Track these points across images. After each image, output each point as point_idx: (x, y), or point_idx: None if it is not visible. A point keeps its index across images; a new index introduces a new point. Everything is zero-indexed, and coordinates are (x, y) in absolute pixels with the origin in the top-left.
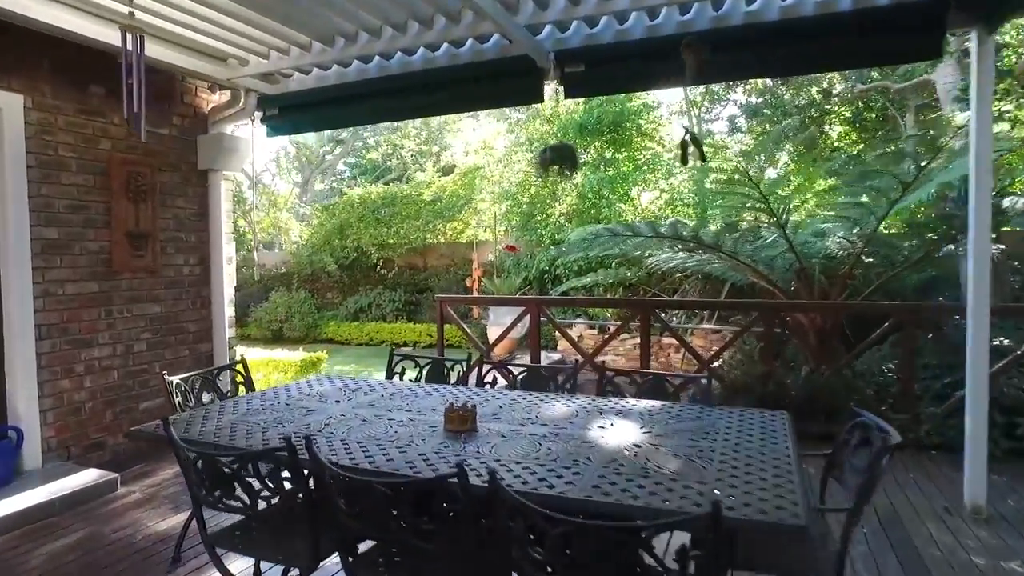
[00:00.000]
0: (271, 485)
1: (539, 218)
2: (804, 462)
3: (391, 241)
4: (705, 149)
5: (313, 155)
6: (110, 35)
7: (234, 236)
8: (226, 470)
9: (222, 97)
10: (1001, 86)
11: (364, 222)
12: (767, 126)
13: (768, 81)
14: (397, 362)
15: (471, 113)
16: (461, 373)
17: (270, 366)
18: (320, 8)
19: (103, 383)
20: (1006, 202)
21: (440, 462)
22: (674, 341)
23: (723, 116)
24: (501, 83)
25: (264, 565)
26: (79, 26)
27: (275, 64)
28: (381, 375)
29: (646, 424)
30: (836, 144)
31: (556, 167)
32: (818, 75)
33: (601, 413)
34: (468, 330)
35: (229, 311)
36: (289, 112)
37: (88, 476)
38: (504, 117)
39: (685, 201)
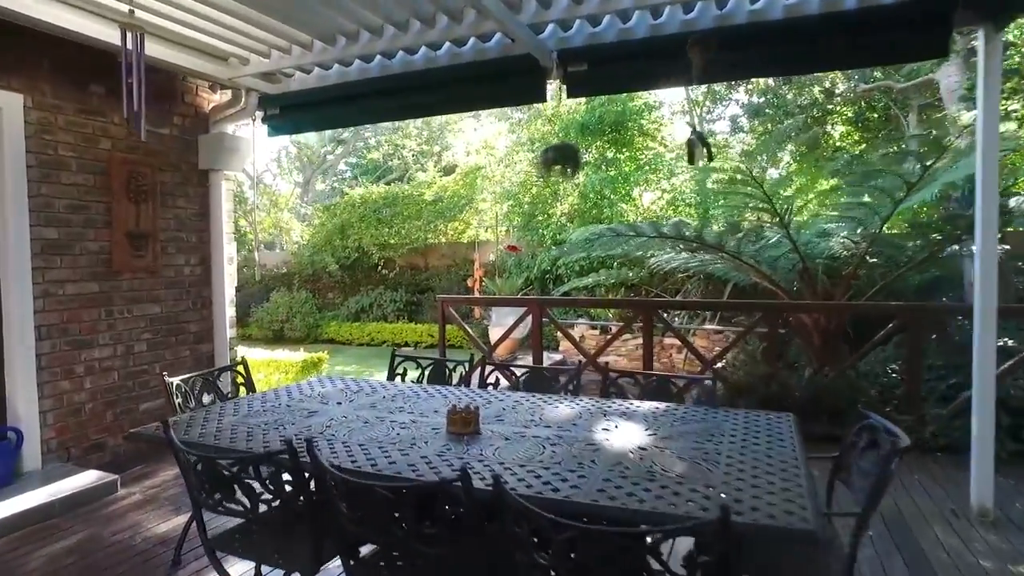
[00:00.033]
0: (272, 488)
1: (540, 218)
2: (810, 465)
3: (392, 241)
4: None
5: (314, 155)
6: (110, 34)
7: (235, 236)
8: (226, 473)
9: (223, 96)
10: (1008, 85)
11: (365, 222)
12: (769, 126)
13: (770, 81)
14: (399, 363)
15: (473, 113)
16: (463, 374)
17: (271, 366)
18: (322, 7)
19: (103, 384)
20: (1012, 202)
21: (443, 465)
22: (676, 341)
23: (725, 116)
24: (503, 82)
25: (264, 569)
26: (79, 25)
27: (276, 63)
28: (382, 376)
29: (651, 426)
30: (838, 144)
31: (559, 167)
32: (820, 75)
33: (605, 415)
34: (470, 330)
35: (230, 311)
36: (290, 112)
37: (88, 477)
38: (505, 117)
39: (687, 201)
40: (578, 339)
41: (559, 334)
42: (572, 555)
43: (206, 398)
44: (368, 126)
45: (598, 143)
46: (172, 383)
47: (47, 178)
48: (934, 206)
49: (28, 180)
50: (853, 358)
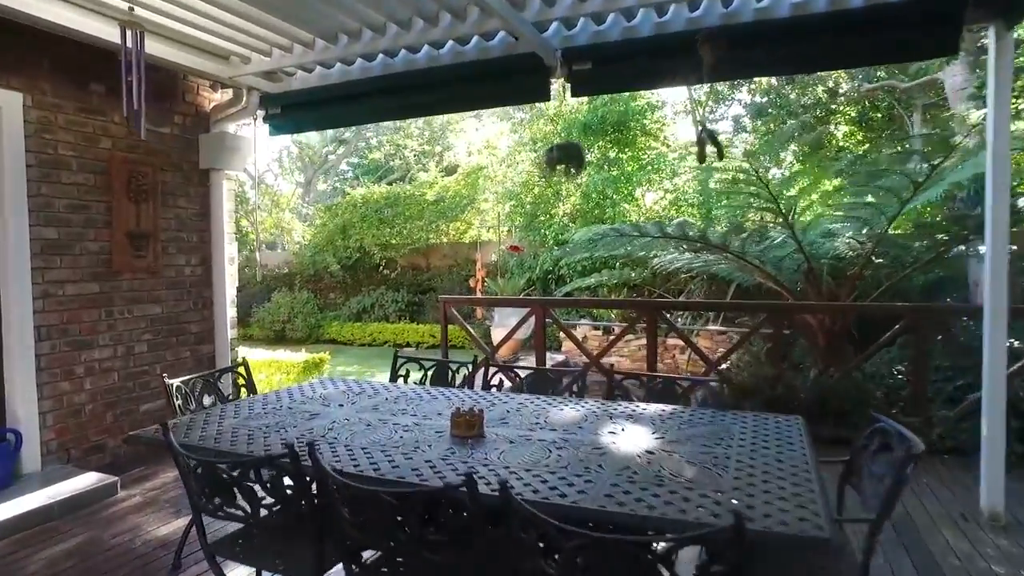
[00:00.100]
0: (273, 493)
1: (543, 218)
2: (819, 469)
3: (394, 241)
4: (710, 149)
5: (316, 155)
6: (111, 32)
7: (236, 236)
8: (226, 477)
9: (224, 96)
10: (1018, 83)
11: (367, 222)
12: (772, 126)
13: (773, 80)
14: (401, 364)
15: (474, 113)
16: (466, 375)
17: (272, 367)
18: (324, 5)
19: (103, 385)
20: (1020, 203)
21: (447, 469)
22: (679, 342)
23: (728, 116)
24: (507, 81)
25: (265, 574)
26: (80, 23)
27: (278, 62)
28: (384, 376)
29: (657, 429)
30: (842, 144)
31: (563, 166)
32: (824, 74)
33: (611, 418)
34: (472, 331)
35: (231, 312)
36: (292, 111)
37: (88, 479)
38: (507, 116)
39: (690, 201)
40: (580, 340)
41: (561, 335)
42: (579, 561)
43: (207, 400)
44: (370, 126)
45: (600, 143)
46: (172, 385)
47: (47, 178)
48: (938, 206)
49: (28, 180)
50: (859, 359)
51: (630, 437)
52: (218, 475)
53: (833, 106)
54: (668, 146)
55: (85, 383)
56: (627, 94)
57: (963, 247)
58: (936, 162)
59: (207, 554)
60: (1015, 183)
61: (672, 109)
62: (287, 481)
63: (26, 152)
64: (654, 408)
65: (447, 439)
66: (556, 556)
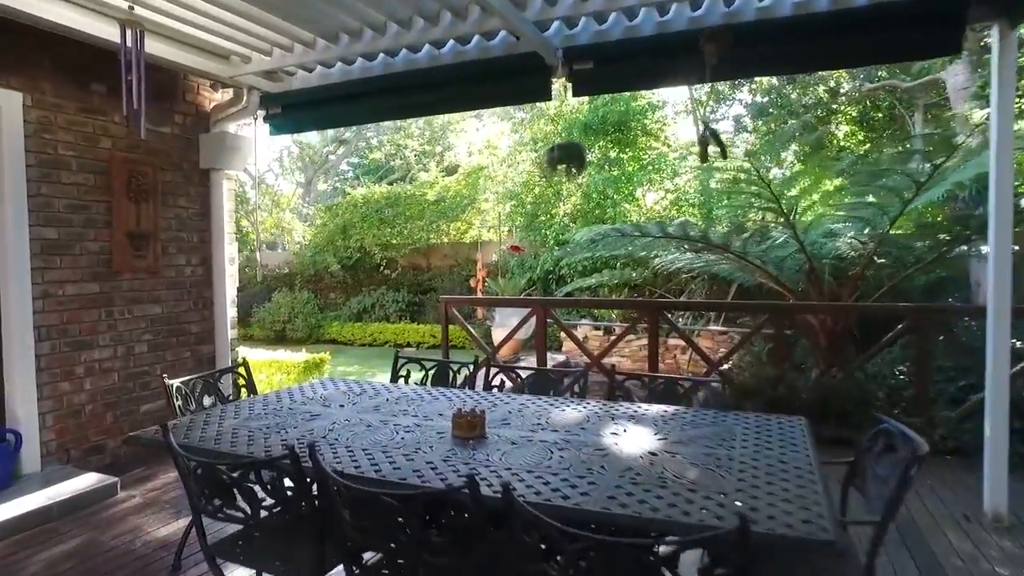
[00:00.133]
0: (273, 494)
1: (543, 218)
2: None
3: (394, 241)
4: (713, 149)
5: (316, 155)
6: (111, 32)
7: (237, 236)
8: (226, 479)
9: (224, 95)
10: (1022, 82)
11: (367, 222)
12: (773, 126)
13: (774, 80)
14: (402, 365)
15: (475, 112)
16: (467, 375)
17: (273, 367)
18: (325, 4)
19: (103, 385)
20: (1023, 203)
21: (449, 471)
22: (680, 342)
23: (729, 116)
24: (508, 81)
25: None
26: (80, 23)
27: (278, 61)
28: (385, 376)
29: (660, 430)
30: (842, 144)
31: (564, 166)
32: (825, 74)
33: (613, 419)
34: (473, 331)
35: (231, 312)
36: (292, 111)
37: (87, 480)
38: (508, 116)
39: (690, 201)
40: (581, 340)
41: (562, 335)
42: (582, 563)
43: (207, 400)
44: (370, 126)
45: (601, 143)
46: (172, 385)
47: (47, 177)
48: (940, 206)
49: (28, 180)
50: (861, 359)
51: (632, 438)
52: (218, 476)
53: (834, 106)
54: (669, 146)
55: (85, 383)
56: (628, 94)
57: (965, 247)
58: (939, 162)
59: (207, 556)
60: (1018, 183)
61: (673, 109)
62: (287, 482)
63: (26, 152)
64: (656, 409)
65: (449, 440)
66: (559, 559)
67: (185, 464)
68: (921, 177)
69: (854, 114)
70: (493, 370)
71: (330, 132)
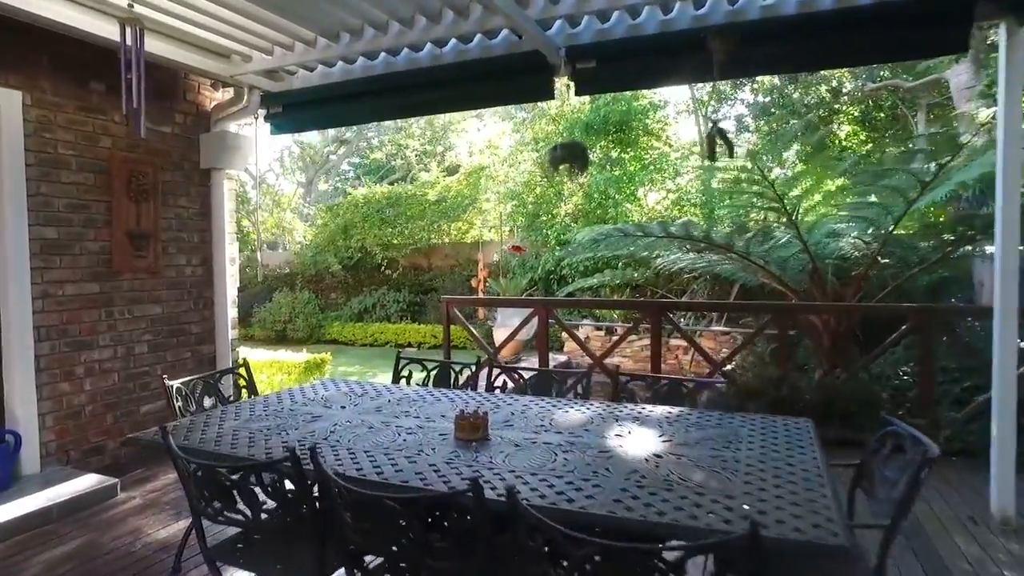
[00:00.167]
0: (274, 497)
1: (545, 218)
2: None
3: (395, 241)
4: (721, 147)
5: (317, 155)
6: (111, 30)
7: (237, 236)
8: (226, 482)
9: (225, 94)
10: None
11: (368, 222)
12: (775, 125)
13: (776, 80)
14: (404, 365)
15: (476, 112)
16: (469, 376)
17: (274, 367)
18: (326, 2)
19: (103, 386)
20: None
21: (452, 473)
22: (682, 342)
23: (730, 115)
24: (510, 80)
25: None
26: (80, 21)
27: (279, 60)
28: (386, 377)
29: (664, 432)
30: (844, 144)
31: (567, 165)
32: (827, 74)
33: (617, 420)
34: (475, 332)
35: (232, 312)
36: (293, 110)
37: (87, 481)
38: (509, 116)
39: (692, 201)
40: (583, 340)
41: (564, 335)
42: (587, 568)
43: (207, 401)
44: (371, 126)
45: (603, 143)
46: (172, 386)
47: (46, 177)
48: (942, 206)
49: (27, 179)
50: (865, 359)
51: (637, 440)
52: (218, 479)
53: (836, 106)
54: (670, 146)
55: (85, 384)
56: (629, 93)
57: (970, 247)
58: (944, 161)
59: (207, 558)
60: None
61: (675, 109)
62: (288, 485)
63: (25, 151)
64: (660, 410)
65: (451, 442)
66: (564, 563)
67: (185, 466)
68: (926, 176)
69: (856, 114)
70: (495, 371)
71: (331, 132)
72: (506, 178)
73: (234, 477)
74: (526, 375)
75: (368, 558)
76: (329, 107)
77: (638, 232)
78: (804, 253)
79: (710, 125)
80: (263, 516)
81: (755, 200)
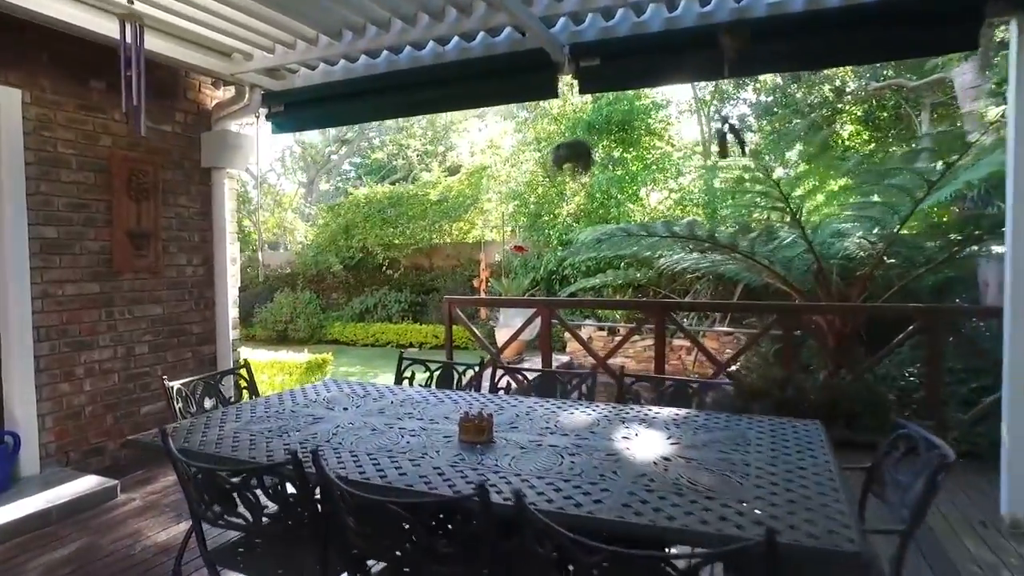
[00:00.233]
0: (275, 500)
1: (547, 218)
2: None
3: (397, 241)
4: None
5: (318, 155)
6: (111, 28)
7: (238, 236)
8: (227, 485)
9: (226, 93)
10: None
11: (370, 222)
12: (778, 125)
13: (779, 79)
14: (406, 366)
15: (478, 112)
16: (472, 377)
17: (275, 367)
18: (328, 0)
19: (103, 386)
20: None
21: (457, 476)
22: (686, 343)
23: (733, 115)
24: (513, 78)
25: None
26: (80, 18)
27: (280, 59)
28: (388, 377)
29: (672, 434)
30: (847, 144)
31: (570, 164)
32: (830, 73)
33: (623, 422)
34: (477, 332)
35: (233, 312)
36: (294, 109)
37: (87, 483)
38: (511, 116)
39: (695, 201)
40: (585, 340)
41: (567, 335)
42: (595, 574)
43: (208, 402)
44: (372, 125)
45: (605, 142)
46: (172, 387)
47: (46, 176)
48: (946, 206)
49: (27, 178)
50: (872, 360)
51: (644, 442)
52: (218, 482)
53: (839, 105)
54: (673, 145)
55: (85, 384)
56: (632, 93)
57: (976, 247)
58: (952, 160)
59: (207, 562)
60: None
61: (677, 108)
62: (290, 488)
63: (25, 150)
64: (667, 412)
65: (455, 444)
66: (570, 568)
67: (185, 469)
68: (933, 176)
69: (859, 113)
70: (498, 372)
71: (332, 132)
72: (508, 178)
73: (235, 480)
74: (530, 376)
75: (371, 563)
76: (331, 106)
77: (642, 232)
78: (809, 253)
79: (721, 122)
80: (264, 520)
81: (759, 200)
